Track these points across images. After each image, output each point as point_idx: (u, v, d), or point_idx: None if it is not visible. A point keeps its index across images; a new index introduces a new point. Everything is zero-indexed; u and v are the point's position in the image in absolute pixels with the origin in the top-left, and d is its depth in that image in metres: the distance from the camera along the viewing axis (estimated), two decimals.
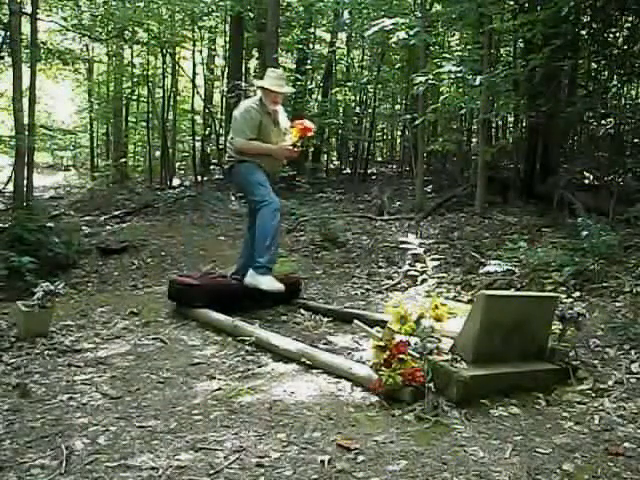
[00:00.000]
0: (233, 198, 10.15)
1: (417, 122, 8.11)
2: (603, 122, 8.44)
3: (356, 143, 13.82)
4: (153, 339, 3.87)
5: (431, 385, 2.67)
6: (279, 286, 4.33)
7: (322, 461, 2.24)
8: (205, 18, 13.06)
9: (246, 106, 4.57)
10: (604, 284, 4.39)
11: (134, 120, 17.00)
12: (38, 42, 10.31)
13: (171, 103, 14.05)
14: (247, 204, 4.92)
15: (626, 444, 2.41)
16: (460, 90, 8.20)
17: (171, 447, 2.37)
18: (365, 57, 15.00)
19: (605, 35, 8.03)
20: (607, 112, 8.34)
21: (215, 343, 3.81)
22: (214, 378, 3.15)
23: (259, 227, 4.37)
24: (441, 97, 8.71)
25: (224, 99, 13.67)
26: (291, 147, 4.56)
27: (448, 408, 2.67)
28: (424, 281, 5.28)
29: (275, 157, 4.60)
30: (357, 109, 13.76)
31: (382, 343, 2.91)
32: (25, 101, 8.48)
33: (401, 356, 2.78)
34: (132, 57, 15.24)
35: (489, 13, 7.51)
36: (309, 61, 13.46)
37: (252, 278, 4.33)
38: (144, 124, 15.44)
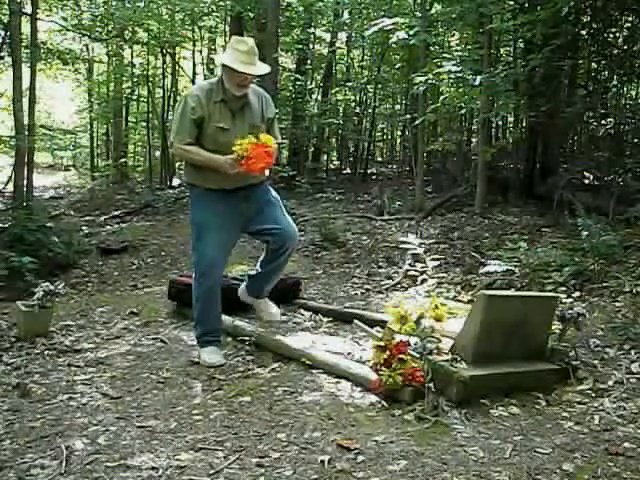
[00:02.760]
0: None
1: (417, 122, 8.11)
2: (603, 122, 8.43)
3: (356, 143, 13.81)
4: (153, 339, 3.87)
5: (431, 385, 2.67)
6: (217, 360, 3.37)
7: (322, 461, 2.24)
8: (205, 18, 13.08)
9: (185, 95, 3.39)
10: (604, 284, 4.38)
11: (134, 120, 17.02)
12: (38, 42, 10.32)
13: (171, 103, 14.05)
14: None
15: (626, 444, 2.41)
16: (460, 90, 8.18)
17: (171, 447, 2.37)
18: (365, 57, 14.99)
19: (605, 35, 8.03)
20: (607, 112, 8.34)
21: None
22: (214, 378, 3.15)
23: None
24: (441, 97, 8.69)
25: None
26: (239, 160, 3.12)
27: (448, 408, 2.67)
28: (424, 281, 5.28)
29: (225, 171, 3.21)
30: (357, 109, 13.76)
31: (382, 343, 2.91)
32: (25, 101, 8.50)
33: (401, 356, 2.78)
34: (132, 57, 15.25)
35: (489, 13, 7.50)
36: (309, 61, 13.47)
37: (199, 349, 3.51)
38: (144, 124, 15.46)
